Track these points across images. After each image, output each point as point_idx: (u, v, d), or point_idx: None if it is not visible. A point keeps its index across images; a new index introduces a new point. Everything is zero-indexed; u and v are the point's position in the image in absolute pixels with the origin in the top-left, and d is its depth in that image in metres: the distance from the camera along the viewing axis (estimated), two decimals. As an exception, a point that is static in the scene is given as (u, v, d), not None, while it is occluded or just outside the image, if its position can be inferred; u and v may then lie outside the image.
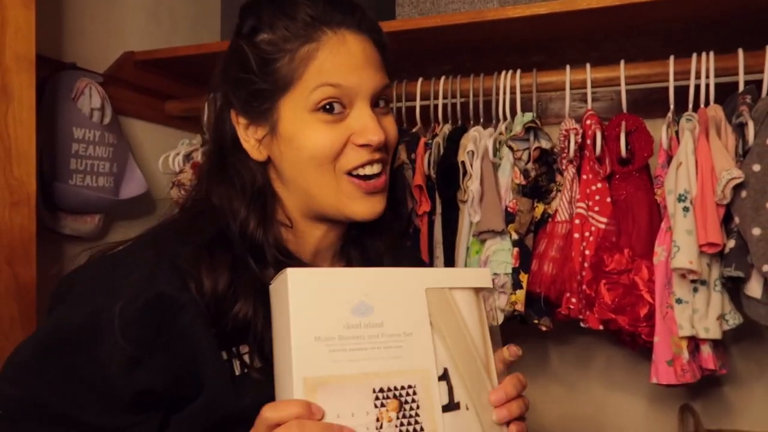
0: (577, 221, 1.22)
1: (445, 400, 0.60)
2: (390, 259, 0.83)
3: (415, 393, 0.58)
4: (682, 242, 1.06)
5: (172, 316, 0.63)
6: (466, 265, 1.28)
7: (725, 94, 1.17)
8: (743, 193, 1.04)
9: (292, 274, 0.56)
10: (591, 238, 1.21)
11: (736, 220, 1.05)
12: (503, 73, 1.31)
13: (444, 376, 0.61)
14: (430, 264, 1.30)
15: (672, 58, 1.19)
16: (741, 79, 1.14)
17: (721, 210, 1.06)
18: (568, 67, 1.27)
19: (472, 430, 0.60)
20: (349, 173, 0.71)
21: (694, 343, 1.12)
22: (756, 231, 1.02)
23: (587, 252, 1.21)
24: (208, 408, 0.63)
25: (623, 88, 1.23)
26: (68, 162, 1.31)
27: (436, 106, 1.35)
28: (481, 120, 1.34)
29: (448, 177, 1.28)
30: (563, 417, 1.74)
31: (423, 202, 1.30)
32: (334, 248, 0.80)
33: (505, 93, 1.30)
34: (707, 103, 1.15)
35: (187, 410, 0.64)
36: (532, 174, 1.25)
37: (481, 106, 1.33)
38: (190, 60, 1.48)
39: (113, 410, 0.62)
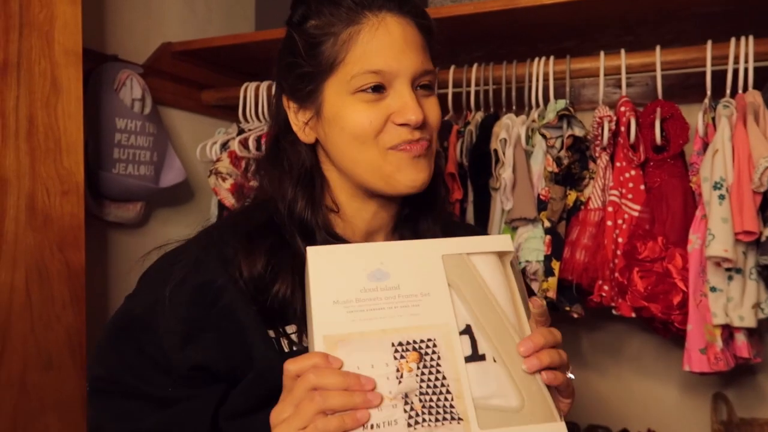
0: (610, 209, 1.22)
1: (468, 352, 0.61)
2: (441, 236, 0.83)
3: (435, 345, 0.60)
4: (718, 230, 1.05)
5: (217, 298, 0.68)
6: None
7: (764, 79, 1.15)
8: (781, 181, 1.03)
9: (310, 250, 0.62)
10: (624, 226, 1.21)
11: (774, 207, 1.04)
12: (536, 59, 1.31)
13: (467, 331, 0.62)
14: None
15: (710, 42, 1.17)
16: (781, 63, 1.12)
17: (758, 198, 1.05)
18: (602, 53, 1.26)
19: (501, 379, 0.61)
20: (393, 148, 0.73)
21: (728, 331, 1.12)
22: (794, 219, 1.01)
23: (620, 240, 1.21)
24: (257, 382, 0.68)
25: (659, 73, 1.21)
26: (112, 151, 1.36)
27: (468, 94, 1.36)
28: (514, 107, 1.35)
29: (480, 165, 1.29)
30: (594, 404, 1.75)
31: (455, 190, 1.31)
32: (385, 230, 0.82)
33: (537, 80, 1.29)
34: (745, 89, 1.14)
35: (240, 385, 0.69)
36: (565, 161, 1.25)
37: (513, 93, 1.33)
38: (225, 50, 1.52)
39: (173, 383, 0.69)
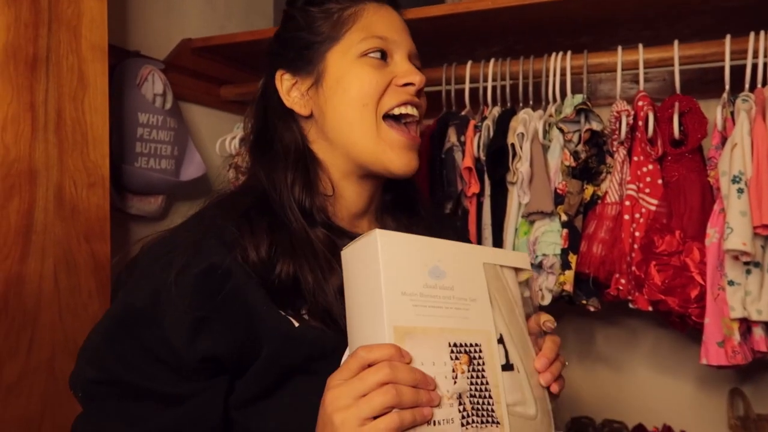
0: (627, 203, 1.23)
1: (503, 361, 0.64)
2: (433, 236, 0.86)
3: (480, 351, 0.62)
4: (736, 224, 1.06)
5: (224, 283, 0.66)
6: (514, 246, 1.31)
7: (783, 73, 1.14)
8: (801, 175, 1.03)
9: (381, 234, 0.60)
10: (641, 220, 1.21)
11: (793, 201, 1.04)
12: (553, 54, 1.31)
13: (501, 341, 0.65)
14: (479, 244, 1.33)
15: (728, 36, 1.17)
16: (801, 58, 1.12)
17: (777, 192, 1.05)
18: (620, 48, 1.26)
19: (524, 390, 0.65)
20: (388, 116, 0.76)
21: (746, 325, 1.12)
22: (813, 213, 1.01)
23: (637, 233, 1.21)
24: (270, 361, 0.66)
25: (677, 68, 1.21)
26: (134, 145, 1.38)
27: (485, 89, 1.37)
28: (531, 102, 1.35)
29: (497, 159, 1.30)
30: (609, 398, 1.75)
31: (472, 184, 1.32)
32: (370, 214, 0.84)
33: (555, 75, 1.30)
34: (764, 83, 1.14)
35: (251, 369, 0.67)
36: (582, 156, 1.25)
37: (530, 88, 1.34)
38: (244, 46, 1.54)
39: (181, 379, 0.66)
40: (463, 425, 0.58)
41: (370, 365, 0.56)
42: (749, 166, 1.07)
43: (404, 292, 0.59)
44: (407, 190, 0.88)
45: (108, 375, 0.67)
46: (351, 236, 0.76)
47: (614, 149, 1.27)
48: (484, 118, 1.36)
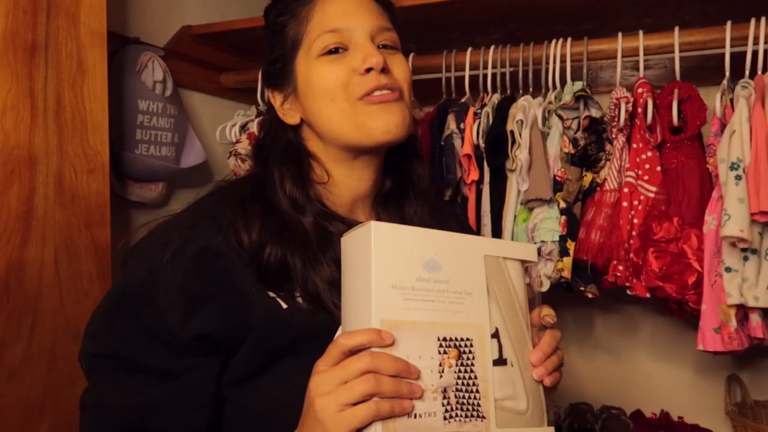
0: (626, 190, 1.23)
1: (496, 356, 0.65)
2: (435, 224, 0.86)
3: (471, 345, 0.63)
4: (734, 210, 1.06)
5: (216, 264, 0.69)
6: (513, 233, 1.31)
7: (784, 60, 1.14)
8: (799, 162, 1.03)
9: (375, 226, 0.60)
10: (640, 207, 1.22)
11: (791, 188, 1.04)
12: (553, 41, 1.31)
13: (495, 335, 0.65)
14: (478, 232, 1.34)
15: (729, 23, 1.16)
16: (801, 44, 1.11)
17: (775, 178, 1.05)
18: (620, 35, 1.26)
19: (516, 384, 0.65)
20: (362, 98, 0.77)
21: (743, 311, 1.12)
22: (811, 200, 1.01)
23: (635, 220, 1.22)
24: (257, 341, 0.69)
25: (677, 55, 1.21)
26: (134, 132, 1.39)
27: (485, 76, 1.37)
28: (530, 89, 1.35)
29: (496, 146, 1.30)
30: (608, 386, 1.76)
31: (471, 171, 1.33)
32: (369, 200, 0.85)
33: (555, 62, 1.30)
34: (765, 70, 1.13)
35: (242, 349, 0.70)
36: (581, 143, 1.25)
37: (530, 75, 1.34)
38: (244, 33, 1.53)
39: (175, 355, 0.69)
40: (445, 419, 0.59)
41: (352, 352, 0.58)
42: (747, 152, 1.07)
43: (395, 286, 0.59)
44: (410, 174, 0.88)
45: (107, 349, 0.70)
46: (348, 222, 0.78)
47: (613, 136, 1.26)
48: (483, 105, 1.35)
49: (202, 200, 0.78)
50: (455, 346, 0.61)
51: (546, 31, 1.41)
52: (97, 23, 1.10)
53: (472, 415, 0.60)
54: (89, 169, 1.10)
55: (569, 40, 1.30)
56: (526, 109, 1.28)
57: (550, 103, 1.30)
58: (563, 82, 1.30)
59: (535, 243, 1.26)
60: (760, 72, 1.13)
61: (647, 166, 1.23)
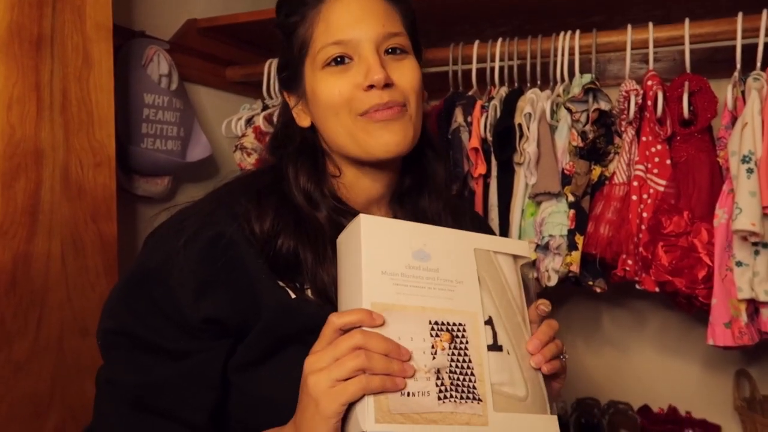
0: (635, 183, 1.22)
1: (490, 342, 0.66)
2: (450, 219, 0.86)
3: (464, 330, 0.65)
4: (745, 204, 1.05)
5: (228, 251, 0.71)
6: (520, 227, 1.30)
7: (797, 52, 1.13)
8: (812, 155, 1.02)
9: (364, 218, 0.64)
10: (649, 201, 1.21)
11: (803, 182, 1.03)
12: (561, 34, 1.30)
13: (489, 322, 0.67)
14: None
15: (740, 14, 1.15)
16: (814, 35, 1.10)
17: (788, 172, 1.04)
18: (629, 27, 1.24)
19: (513, 371, 0.66)
20: (364, 114, 0.77)
21: (753, 306, 1.11)
22: (824, 193, 1.00)
23: (645, 214, 1.21)
24: (265, 329, 0.71)
25: (687, 47, 1.19)
26: (140, 126, 1.38)
27: (492, 69, 1.35)
28: (538, 82, 1.34)
29: (504, 139, 1.29)
30: (615, 381, 1.76)
31: (479, 165, 1.32)
32: (384, 201, 0.86)
33: (563, 54, 1.29)
34: (776, 62, 1.12)
35: (250, 335, 0.72)
36: (590, 136, 1.24)
37: (538, 68, 1.33)
38: (250, 26, 1.53)
39: (185, 336, 0.70)
40: (440, 399, 0.60)
41: (344, 331, 0.60)
42: (759, 145, 1.06)
43: (384, 272, 0.62)
44: (426, 170, 0.87)
45: (121, 326, 0.72)
46: None
47: (623, 129, 1.25)
48: (491, 99, 1.35)
49: (222, 188, 0.80)
50: (447, 330, 0.63)
51: (554, 23, 1.40)
52: (103, 16, 1.09)
53: (467, 397, 0.61)
54: (95, 163, 1.09)
55: (578, 32, 1.29)
56: (535, 102, 1.27)
57: (558, 95, 1.29)
58: (572, 74, 1.28)
59: (543, 237, 1.25)
60: (772, 64, 1.12)
61: (657, 160, 1.22)
